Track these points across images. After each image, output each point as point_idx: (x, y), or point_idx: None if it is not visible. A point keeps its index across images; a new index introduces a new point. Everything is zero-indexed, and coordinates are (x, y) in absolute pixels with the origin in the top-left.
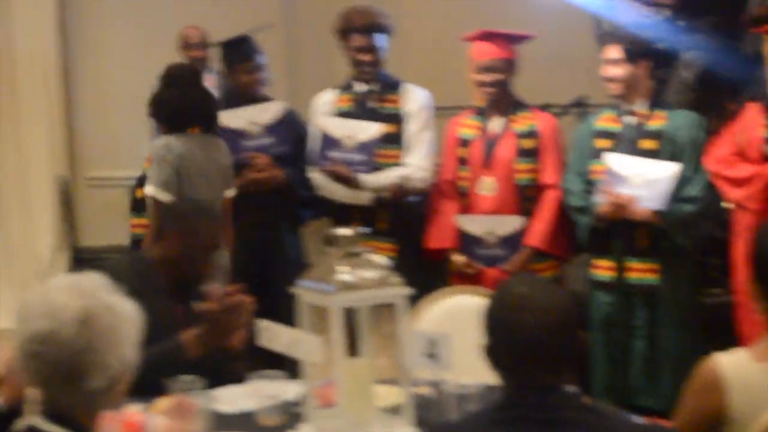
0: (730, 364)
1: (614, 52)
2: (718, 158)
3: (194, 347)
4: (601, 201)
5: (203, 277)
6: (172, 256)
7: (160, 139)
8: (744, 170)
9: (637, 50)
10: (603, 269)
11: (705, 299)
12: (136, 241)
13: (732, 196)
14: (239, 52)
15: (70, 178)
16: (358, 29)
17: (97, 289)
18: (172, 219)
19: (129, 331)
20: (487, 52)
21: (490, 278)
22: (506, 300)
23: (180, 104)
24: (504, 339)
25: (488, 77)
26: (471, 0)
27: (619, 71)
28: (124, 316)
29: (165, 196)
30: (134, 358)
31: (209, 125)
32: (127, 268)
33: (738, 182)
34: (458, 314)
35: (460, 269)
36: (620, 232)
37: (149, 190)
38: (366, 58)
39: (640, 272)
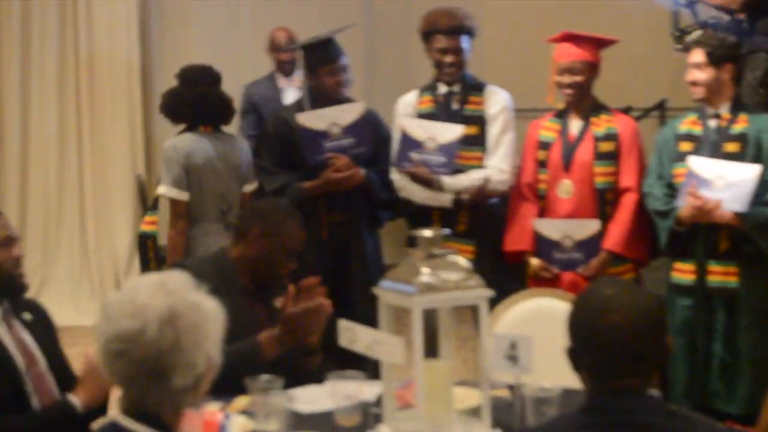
0: None
1: (698, 55)
2: None
3: (271, 348)
4: (684, 204)
5: (284, 278)
6: (254, 256)
7: (167, 141)
8: None
9: (721, 53)
10: (684, 272)
11: None
12: (146, 238)
13: None
14: (323, 54)
15: (147, 179)
16: (443, 30)
17: (181, 288)
18: (257, 218)
19: (214, 329)
20: (568, 53)
21: (566, 282)
22: (592, 302)
23: (189, 102)
24: (588, 341)
25: (567, 79)
26: (552, 2)
27: (702, 75)
28: (209, 315)
29: (179, 194)
30: (218, 357)
31: (223, 123)
32: (209, 267)
33: None
34: (537, 317)
35: (537, 273)
36: (701, 235)
37: (162, 189)
38: (449, 59)
39: (721, 275)
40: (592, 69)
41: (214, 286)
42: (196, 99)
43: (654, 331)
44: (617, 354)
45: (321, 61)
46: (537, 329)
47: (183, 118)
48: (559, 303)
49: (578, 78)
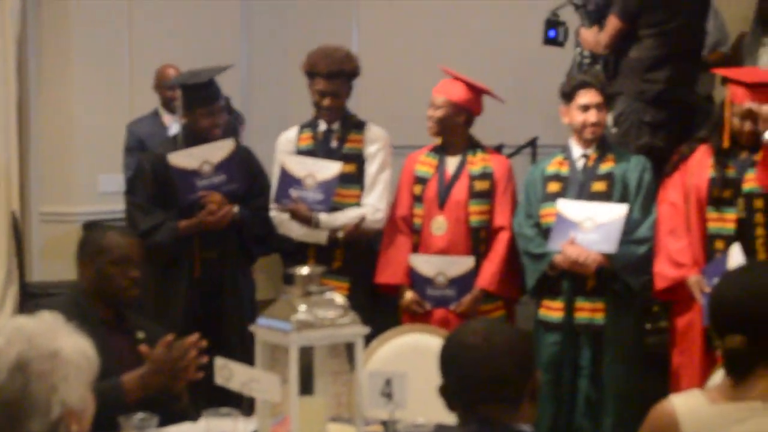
0: (685, 405)
1: (595, 96)
2: (669, 215)
3: (135, 389)
4: (556, 248)
5: (134, 295)
6: (93, 282)
7: None
8: (682, 255)
9: (607, 95)
10: (551, 309)
11: (647, 338)
12: None
13: (661, 266)
14: (201, 94)
15: (20, 213)
16: (322, 74)
17: (37, 334)
18: (79, 250)
19: (76, 373)
20: (436, 88)
21: (438, 318)
22: (462, 340)
23: None
24: (459, 379)
25: (430, 112)
26: (430, 40)
27: (601, 116)
28: (69, 360)
29: None
30: (86, 400)
31: None
32: (64, 305)
33: (673, 262)
34: (410, 353)
35: (409, 306)
36: (569, 273)
37: None
38: (327, 102)
39: (589, 312)
40: (455, 108)
41: (72, 323)
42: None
43: (517, 356)
44: (487, 392)
45: (199, 102)
46: (410, 365)
47: None
48: (432, 339)
49: (437, 113)
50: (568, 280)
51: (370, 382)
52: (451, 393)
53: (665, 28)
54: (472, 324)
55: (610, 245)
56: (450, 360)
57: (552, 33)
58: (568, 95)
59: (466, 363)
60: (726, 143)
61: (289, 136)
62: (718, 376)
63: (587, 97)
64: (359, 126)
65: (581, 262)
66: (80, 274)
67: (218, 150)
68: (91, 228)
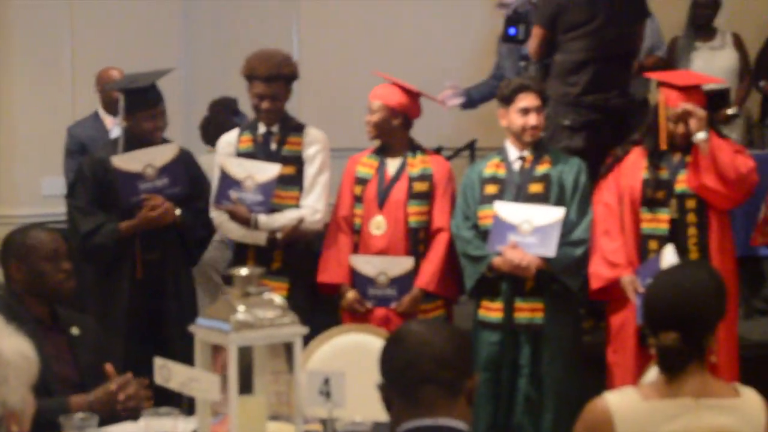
0: (619, 402)
1: (535, 99)
2: (603, 216)
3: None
4: (495, 251)
5: (71, 287)
6: (24, 281)
7: None
8: (616, 255)
9: (545, 98)
10: (491, 310)
11: (584, 337)
12: None
13: (596, 266)
14: (143, 98)
15: None
16: (261, 77)
17: None
18: (3, 252)
19: (14, 374)
20: (372, 93)
21: (378, 317)
22: (406, 328)
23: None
24: (402, 361)
25: (371, 117)
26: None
27: (540, 119)
28: (8, 360)
29: None
30: (25, 400)
31: None
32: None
33: (608, 262)
34: (349, 352)
35: (351, 306)
36: (509, 275)
37: None
38: (266, 106)
39: (528, 312)
40: (392, 112)
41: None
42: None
43: (458, 347)
44: (422, 352)
45: (140, 105)
46: (349, 364)
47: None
48: (371, 338)
49: (374, 117)
50: (507, 281)
51: (308, 381)
52: (392, 378)
53: (583, 32)
54: (410, 326)
55: (549, 249)
56: (394, 343)
57: (512, 30)
58: (507, 98)
59: (411, 343)
60: (663, 145)
61: (229, 138)
62: (652, 374)
63: (527, 100)
64: (298, 128)
65: (523, 266)
66: (8, 276)
67: (162, 153)
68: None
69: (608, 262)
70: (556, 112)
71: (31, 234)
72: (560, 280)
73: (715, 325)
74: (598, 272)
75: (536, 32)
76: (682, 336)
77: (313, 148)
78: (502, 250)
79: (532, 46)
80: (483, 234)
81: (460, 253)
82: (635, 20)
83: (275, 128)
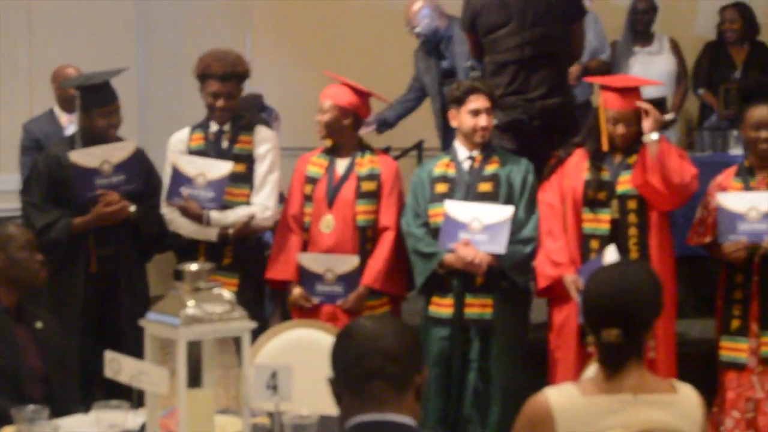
0: (559, 398)
1: (483, 101)
2: (547, 216)
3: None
4: (447, 248)
5: (44, 276)
6: (2, 271)
7: None
8: (559, 254)
9: (495, 99)
10: (441, 306)
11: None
12: None
13: (542, 265)
14: (98, 95)
15: None
16: (215, 76)
17: None
18: None
19: None
20: (327, 95)
21: (326, 313)
22: (357, 322)
23: None
24: (352, 355)
25: (322, 117)
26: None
27: (490, 120)
28: None
29: None
30: None
31: None
32: None
33: (552, 261)
34: (297, 347)
35: (298, 301)
36: (459, 271)
37: None
38: (221, 104)
39: (478, 308)
40: (342, 112)
41: None
42: None
43: (406, 342)
44: (371, 346)
45: (96, 102)
46: (297, 359)
47: None
48: (319, 334)
49: (325, 117)
50: (458, 277)
51: (256, 374)
52: (341, 372)
53: (500, 35)
54: (361, 321)
55: (500, 246)
56: (344, 338)
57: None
58: (459, 100)
59: (360, 338)
60: (605, 147)
61: (181, 136)
62: (591, 370)
63: (477, 102)
64: (249, 127)
65: (475, 263)
66: None
67: (119, 150)
68: None
69: (552, 261)
70: None
71: (8, 226)
72: (509, 277)
73: (653, 321)
74: (543, 271)
75: (466, 36)
76: (624, 332)
77: (264, 146)
78: (455, 247)
79: (469, 49)
80: (434, 232)
81: (411, 250)
82: (564, 20)
83: (227, 126)
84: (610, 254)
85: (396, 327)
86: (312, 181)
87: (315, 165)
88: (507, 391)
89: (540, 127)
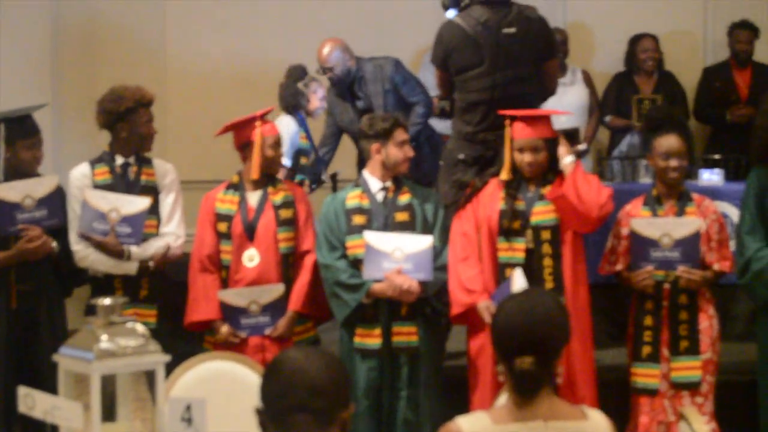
0: (471, 426)
1: (405, 133)
2: (461, 244)
3: None
4: (373, 278)
5: None
6: None
7: None
8: (473, 283)
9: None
10: (368, 337)
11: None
12: None
13: (455, 293)
14: (23, 127)
15: None
16: (148, 104)
17: None
18: None
19: None
20: (269, 131)
21: (254, 346)
22: (286, 354)
23: None
24: (279, 386)
25: (274, 152)
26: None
27: (411, 151)
28: None
29: None
30: None
31: None
32: None
33: (464, 288)
34: (214, 379)
35: (226, 339)
36: (383, 300)
37: None
38: (153, 130)
39: (405, 336)
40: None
41: None
42: None
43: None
44: (298, 379)
45: (20, 134)
46: (214, 391)
47: None
48: (235, 366)
49: (274, 152)
50: (384, 307)
51: (170, 408)
52: (268, 404)
53: (472, 75)
54: (289, 353)
55: (426, 274)
56: (272, 369)
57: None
58: (386, 133)
59: (287, 370)
60: (505, 175)
61: (84, 170)
62: (503, 398)
63: (403, 134)
64: (147, 160)
65: (411, 291)
66: None
67: (41, 185)
68: None
69: (465, 288)
70: (454, 147)
71: None
72: (431, 304)
73: (562, 348)
74: (457, 298)
75: (435, 72)
76: (537, 360)
77: (168, 177)
78: (388, 276)
79: (437, 84)
80: (353, 263)
81: (332, 283)
82: (536, 61)
83: (131, 159)
84: (518, 278)
85: (324, 360)
86: (225, 218)
87: (224, 202)
88: (436, 418)
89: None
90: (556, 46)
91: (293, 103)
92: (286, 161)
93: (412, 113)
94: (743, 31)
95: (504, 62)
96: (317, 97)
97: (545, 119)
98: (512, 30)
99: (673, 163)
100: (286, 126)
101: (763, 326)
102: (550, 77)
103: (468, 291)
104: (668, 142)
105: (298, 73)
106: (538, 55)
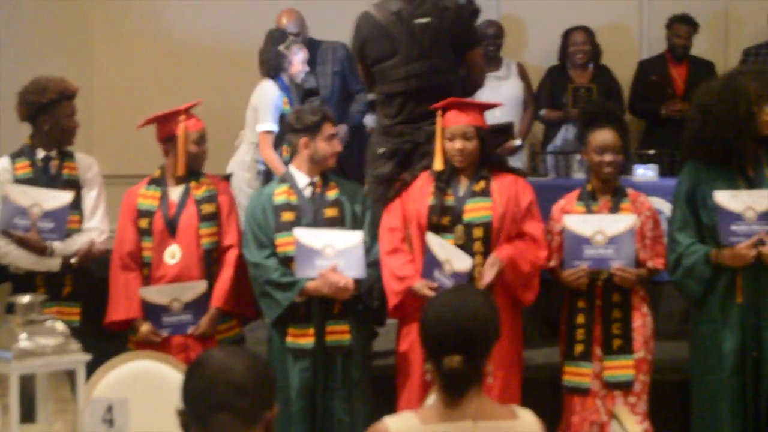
0: (398, 427)
1: (333, 128)
2: (388, 238)
3: None
4: (307, 278)
5: None
6: None
7: None
8: (404, 269)
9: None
10: (300, 336)
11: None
12: None
13: (388, 284)
14: None
15: None
16: (72, 96)
17: None
18: None
19: None
20: (195, 126)
21: (177, 345)
22: (208, 353)
23: None
24: (202, 385)
25: (201, 147)
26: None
27: (339, 146)
28: None
29: None
30: None
31: None
32: None
33: (397, 277)
34: (137, 379)
35: (147, 338)
36: (316, 299)
37: None
38: (76, 123)
39: (337, 335)
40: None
41: None
42: None
43: (257, 376)
44: (221, 377)
45: None
46: (137, 391)
47: None
48: (158, 365)
49: (202, 147)
50: (317, 306)
51: (92, 408)
52: (190, 404)
53: (387, 66)
54: (213, 353)
55: (359, 271)
56: (195, 368)
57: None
58: (314, 127)
59: (210, 369)
60: (438, 165)
61: (3, 165)
62: (432, 397)
63: (331, 128)
64: (69, 154)
65: (348, 288)
66: None
67: None
68: None
69: (397, 277)
70: (375, 141)
71: None
72: (363, 301)
73: (492, 347)
74: (391, 288)
75: (357, 63)
76: (466, 358)
77: (90, 172)
78: (323, 274)
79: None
80: (283, 261)
81: (263, 282)
82: (455, 51)
83: (53, 153)
84: (432, 241)
85: (248, 360)
86: (146, 214)
87: (146, 198)
88: (368, 418)
89: (428, 152)
90: (476, 36)
91: (275, 65)
92: (273, 126)
93: (355, 101)
94: (682, 26)
95: (418, 53)
96: (298, 59)
97: (477, 108)
98: (426, 20)
99: (608, 157)
100: (269, 91)
101: (695, 323)
102: (475, 68)
103: (400, 278)
104: (603, 136)
105: (278, 36)
106: (457, 45)
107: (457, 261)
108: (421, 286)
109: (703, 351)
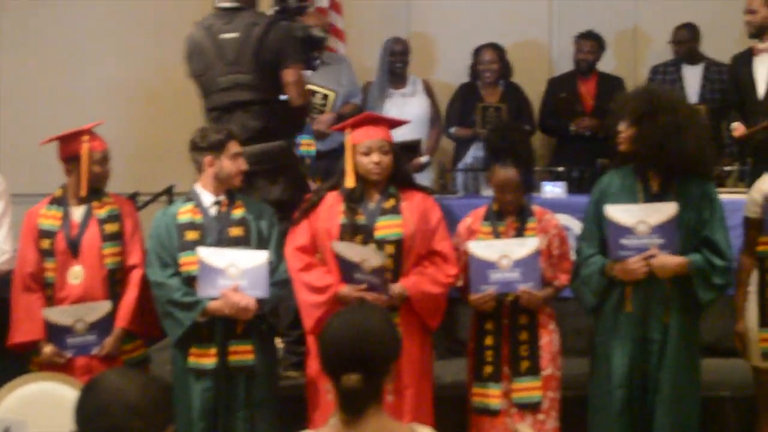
0: None
1: (238, 146)
2: (298, 256)
3: None
4: (209, 297)
5: None
6: None
7: None
8: (323, 279)
9: None
10: (202, 357)
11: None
12: None
13: (308, 300)
14: None
15: None
16: None
17: None
18: None
19: None
20: (99, 146)
21: (81, 367)
22: (95, 387)
23: None
24: (88, 426)
25: (104, 168)
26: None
27: (244, 164)
28: None
29: None
30: None
31: None
32: None
33: (317, 289)
34: (38, 401)
35: (50, 360)
36: (220, 319)
37: None
38: None
39: (240, 354)
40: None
41: None
42: None
43: (151, 397)
44: (115, 400)
45: None
46: (38, 413)
47: None
48: (60, 386)
49: (105, 167)
50: (219, 326)
51: None
52: (84, 425)
53: (201, 81)
54: (106, 375)
55: (262, 291)
56: (88, 390)
57: None
58: (219, 145)
59: (104, 390)
60: (350, 183)
61: None
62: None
63: (236, 147)
64: None
65: (249, 308)
66: None
67: None
68: None
69: (316, 288)
70: None
71: None
72: (267, 321)
73: (391, 366)
74: (310, 303)
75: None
76: (365, 377)
77: None
78: (224, 294)
79: None
80: (186, 280)
81: (165, 301)
82: (263, 69)
83: None
84: (337, 247)
85: (142, 380)
86: (48, 234)
87: (47, 218)
88: None
89: (267, 174)
90: (290, 55)
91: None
92: None
93: None
94: (587, 41)
95: (223, 68)
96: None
97: (386, 124)
98: (233, 35)
99: (508, 196)
100: None
101: (594, 335)
102: (288, 87)
103: (320, 289)
104: (505, 174)
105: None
106: (265, 64)
107: (372, 258)
108: (349, 290)
109: (596, 362)
